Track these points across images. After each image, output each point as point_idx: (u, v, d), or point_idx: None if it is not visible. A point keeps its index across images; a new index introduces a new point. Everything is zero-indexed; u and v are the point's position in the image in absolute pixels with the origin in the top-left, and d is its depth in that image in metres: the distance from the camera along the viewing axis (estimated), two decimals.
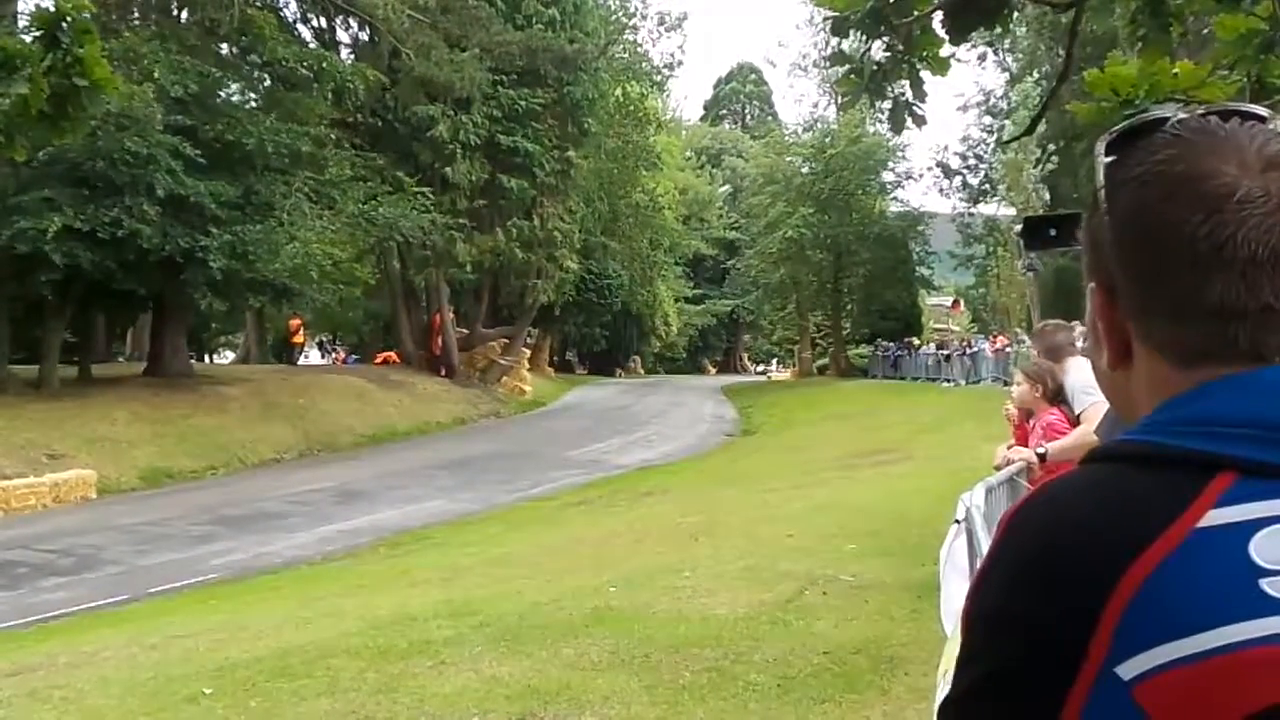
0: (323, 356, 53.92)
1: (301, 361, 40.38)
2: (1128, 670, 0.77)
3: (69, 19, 4.72)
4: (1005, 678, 0.83)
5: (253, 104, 27.33)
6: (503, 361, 38.47)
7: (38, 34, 4.87)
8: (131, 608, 11.16)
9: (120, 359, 34.32)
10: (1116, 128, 0.93)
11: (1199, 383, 0.85)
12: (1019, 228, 1.03)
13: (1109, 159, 0.92)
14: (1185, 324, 0.86)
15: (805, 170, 48.37)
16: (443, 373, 35.60)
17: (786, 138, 54.40)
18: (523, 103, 33.35)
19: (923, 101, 4.55)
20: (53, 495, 17.83)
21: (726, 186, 71.34)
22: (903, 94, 4.54)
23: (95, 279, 21.86)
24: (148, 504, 17.74)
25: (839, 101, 47.58)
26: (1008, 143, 29.60)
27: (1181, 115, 0.90)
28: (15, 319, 23.60)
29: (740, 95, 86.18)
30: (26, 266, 20.77)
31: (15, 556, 13.73)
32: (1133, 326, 0.91)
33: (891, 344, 43.88)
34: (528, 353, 42.15)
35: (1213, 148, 0.86)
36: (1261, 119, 0.89)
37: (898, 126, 4.69)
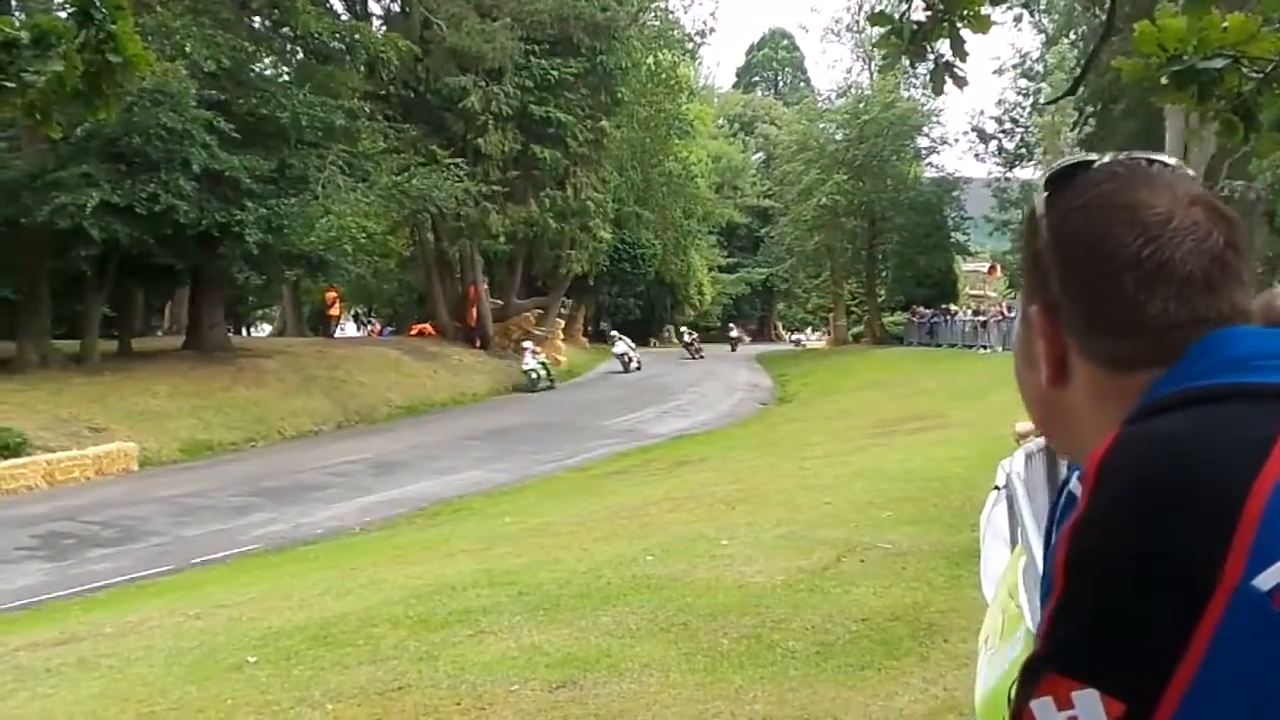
0: (359, 329, 54.24)
1: (338, 334, 40.67)
2: (1267, 580, 0.78)
3: None
4: (1126, 614, 0.81)
5: (285, 78, 27.38)
6: (537, 332, 38.52)
7: (71, 10, 4.89)
8: (175, 578, 11.32)
9: (159, 333, 34.65)
10: (1051, 167, 1.04)
11: (1141, 383, 0.93)
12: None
13: (1048, 191, 1.02)
14: (1128, 336, 0.94)
15: (839, 136, 48.01)
16: (478, 344, 35.71)
17: (820, 104, 53.98)
18: (555, 72, 33.20)
19: (964, 61, 4.47)
20: (96, 468, 18.08)
21: (759, 154, 70.90)
22: (943, 55, 4.46)
23: (133, 254, 22.08)
24: (188, 476, 17.94)
25: (878, 64, 47.10)
26: (1049, 104, 29.26)
27: (1110, 156, 1.01)
28: (56, 294, 23.87)
29: (773, 62, 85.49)
30: (66, 242, 21.00)
31: (61, 528, 13.95)
32: (1073, 343, 0.99)
33: (927, 311, 43.56)
34: (562, 323, 42.14)
35: (1147, 182, 0.97)
36: (1172, 166, 1.01)
37: (938, 87, 4.60)
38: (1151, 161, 1.00)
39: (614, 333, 43.75)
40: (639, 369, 37.92)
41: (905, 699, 4.91)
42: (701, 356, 43.79)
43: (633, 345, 40.90)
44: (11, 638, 7.99)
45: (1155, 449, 0.86)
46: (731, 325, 56.46)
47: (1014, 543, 4.40)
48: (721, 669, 5.37)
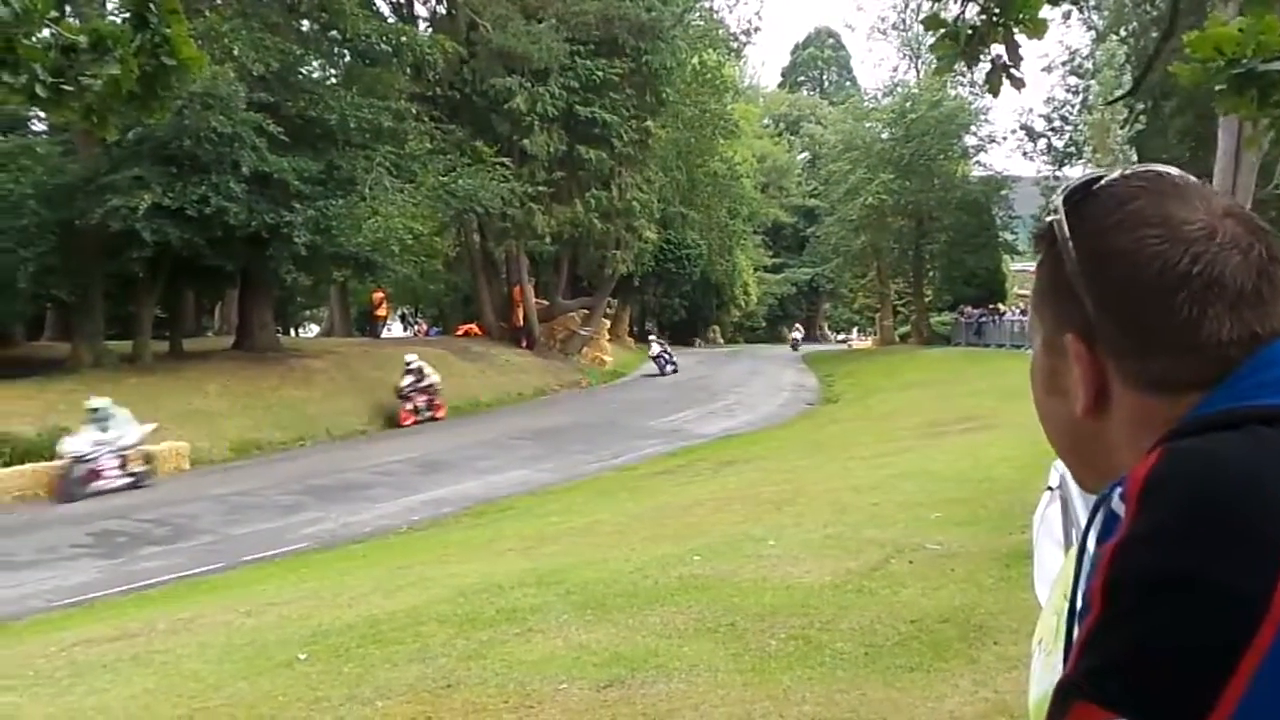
0: (405, 329, 54.61)
1: (384, 334, 40.94)
2: None
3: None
4: (1166, 642, 0.76)
5: (333, 80, 27.63)
6: (583, 332, 38.60)
7: (126, 15, 4.96)
8: (226, 576, 11.45)
9: (209, 333, 35.06)
10: (1068, 185, 0.98)
11: (1190, 405, 0.88)
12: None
13: (1070, 212, 0.96)
14: (1180, 357, 0.89)
15: (885, 135, 47.67)
16: (523, 344, 35.86)
17: (866, 103, 53.69)
18: (600, 73, 33.24)
19: (1018, 64, 4.45)
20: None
21: (805, 154, 70.67)
22: (999, 57, 4.44)
23: (184, 255, 22.36)
24: (239, 475, 18.15)
25: (932, 66, 46.67)
26: (1110, 103, 28.90)
27: (1131, 170, 0.97)
28: (109, 296, 24.24)
29: (818, 61, 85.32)
30: (119, 244, 21.34)
31: (115, 526, 14.16)
32: (1115, 369, 0.93)
33: (975, 310, 43.16)
34: (607, 323, 42.19)
35: (1177, 196, 0.92)
36: (1191, 178, 0.97)
37: (995, 89, 4.58)
38: (1169, 174, 0.95)
39: (651, 336, 41.15)
40: (675, 372, 36.23)
41: (954, 701, 4.87)
42: (437, 415, 25.35)
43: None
44: (68, 634, 8.13)
45: (1206, 469, 0.82)
46: (651, 337, 41.75)
47: (1068, 544, 4.35)
48: (769, 669, 5.35)
